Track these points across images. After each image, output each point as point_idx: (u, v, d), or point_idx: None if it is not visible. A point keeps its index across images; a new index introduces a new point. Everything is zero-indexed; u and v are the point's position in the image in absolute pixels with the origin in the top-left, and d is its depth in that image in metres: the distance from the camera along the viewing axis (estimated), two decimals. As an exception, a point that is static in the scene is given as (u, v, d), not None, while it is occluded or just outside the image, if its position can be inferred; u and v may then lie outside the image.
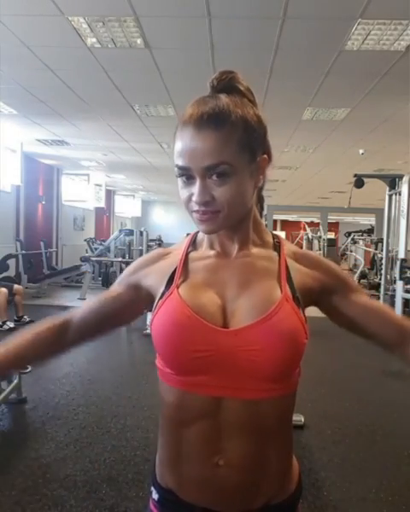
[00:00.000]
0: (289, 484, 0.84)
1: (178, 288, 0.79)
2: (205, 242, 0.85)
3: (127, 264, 7.70)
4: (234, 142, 0.71)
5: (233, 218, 0.77)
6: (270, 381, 0.75)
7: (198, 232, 0.88)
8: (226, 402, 0.75)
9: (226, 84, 0.75)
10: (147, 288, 0.86)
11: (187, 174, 0.73)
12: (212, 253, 0.83)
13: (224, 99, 0.73)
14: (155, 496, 0.87)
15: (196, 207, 0.73)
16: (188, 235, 0.92)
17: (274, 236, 0.87)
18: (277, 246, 0.84)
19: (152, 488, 0.88)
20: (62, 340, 0.88)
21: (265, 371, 0.74)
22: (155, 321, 0.78)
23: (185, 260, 0.83)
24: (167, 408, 0.81)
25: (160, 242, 13.63)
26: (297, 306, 0.77)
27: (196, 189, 0.72)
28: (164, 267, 0.84)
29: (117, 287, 0.90)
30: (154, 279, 0.85)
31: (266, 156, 0.78)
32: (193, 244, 0.87)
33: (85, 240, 11.25)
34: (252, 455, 0.77)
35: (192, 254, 0.85)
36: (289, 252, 0.84)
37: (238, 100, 0.74)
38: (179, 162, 0.73)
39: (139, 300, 0.88)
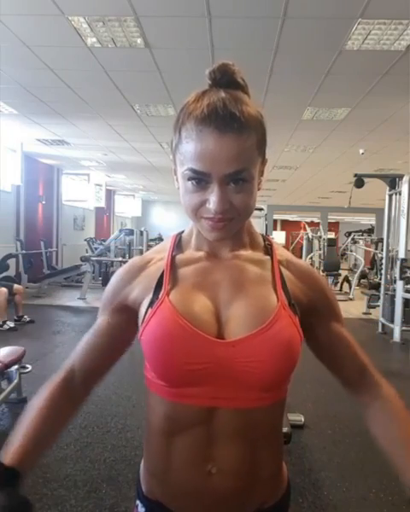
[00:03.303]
0: (280, 486, 0.83)
1: (168, 295, 0.73)
2: (193, 244, 0.80)
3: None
4: (253, 146, 0.67)
5: (242, 224, 0.74)
6: (264, 390, 0.73)
7: (182, 233, 0.83)
8: (219, 411, 0.73)
9: (230, 78, 0.69)
10: (134, 303, 0.79)
11: (201, 179, 0.66)
12: (200, 254, 0.78)
13: (238, 97, 0.67)
14: (141, 510, 0.83)
15: (209, 214, 0.68)
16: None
17: (265, 239, 0.82)
18: (268, 249, 0.80)
19: (137, 502, 0.84)
20: (73, 399, 0.82)
21: (261, 382, 0.71)
22: (145, 332, 0.73)
23: (172, 264, 0.77)
24: (157, 418, 0.78)
25: (160, 242, 13.62)
26: (294, 314, 0.74)
27: (214, 196, 0.66)
28: (148, 275, 0.78)
29: (104, 317, 0.82)
30: (139, 290, 0.78)
31: (265, 158, 0.74)
32: (177, 246, 0.81)
33: (85, 240, 11.24)
34: (244, 460, 0.75)
35: (178, 257, 0.79)
36: (282, 257, 0.80)
37: (246, 97, 0.69)
38: (196, 166, 0.65)
39: (132, 320, 0.80)
